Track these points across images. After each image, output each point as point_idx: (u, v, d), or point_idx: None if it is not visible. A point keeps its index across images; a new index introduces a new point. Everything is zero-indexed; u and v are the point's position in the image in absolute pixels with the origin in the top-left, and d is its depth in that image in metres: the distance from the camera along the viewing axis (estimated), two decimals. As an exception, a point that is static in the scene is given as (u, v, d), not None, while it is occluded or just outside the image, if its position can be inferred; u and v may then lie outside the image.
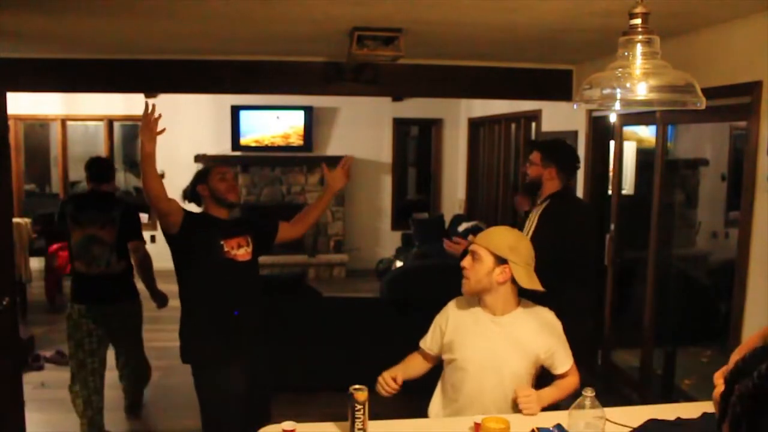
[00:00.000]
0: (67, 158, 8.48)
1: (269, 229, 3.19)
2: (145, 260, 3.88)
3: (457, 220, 8.02)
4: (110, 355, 5.25)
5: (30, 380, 4.64)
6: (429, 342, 2.46)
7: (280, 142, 8.45)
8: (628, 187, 5.23)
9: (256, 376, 2.95)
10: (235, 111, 8.26)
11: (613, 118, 4.60)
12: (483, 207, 7.89)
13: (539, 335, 2.34)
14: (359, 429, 2.04)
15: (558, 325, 2.39)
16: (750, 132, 2.99)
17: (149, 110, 2.79)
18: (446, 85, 4.89)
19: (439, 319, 2.46)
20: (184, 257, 2.91)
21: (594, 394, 1.92)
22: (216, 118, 8.33)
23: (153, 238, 7.82)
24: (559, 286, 2.47)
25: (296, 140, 8.45)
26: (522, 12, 2.94)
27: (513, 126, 6.81)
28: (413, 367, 2.47)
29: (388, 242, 8.84)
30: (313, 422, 2.24)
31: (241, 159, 8.35)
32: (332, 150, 8.64)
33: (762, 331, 1.72)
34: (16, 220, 5.68)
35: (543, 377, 2.43)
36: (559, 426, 2.05)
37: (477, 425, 2.06)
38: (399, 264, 7.70)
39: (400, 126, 9.00)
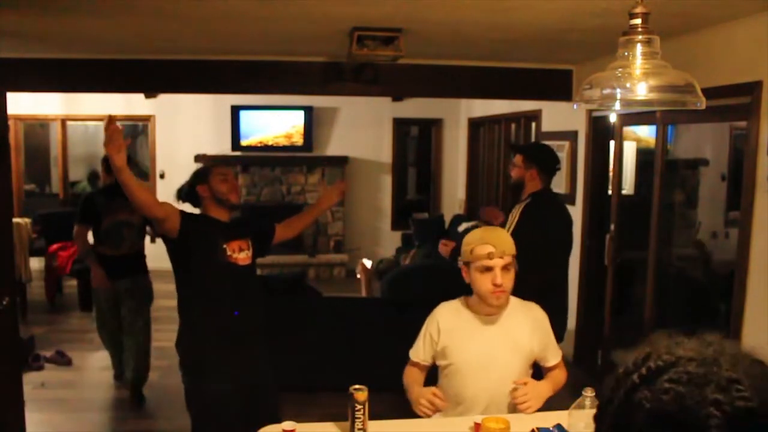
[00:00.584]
0: (67, 158, 8.48)
1: (267, 231, 3.16)
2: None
3: (457, 220, 8.01)
4: (110, 356, 5.26)
5: (30, 380, 4.64)
6: (422, 353, 2.43)
7: (280, 142, 8.45)
8: (628, 187, 5.23)
9: (258, 383, 2.91)
10: (235, 111, 8.26)
11: (613, 118, 4.60)
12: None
13: (533, 332, 2.38)
14: (359, 429, 2.04)
15: (546, 319, 2.46)
16: (750, 132, 2.99)
17: (109, 121, 2.47)
18: (446, 85, 4.88)
19: (429, 328, 2.43)
20: (183, 261, 2.84)
21: (594, 394, 1.92)
22: (216, 118, 8.33)
23: (153, 238, 7.83)
24: (538, 270, 2.76)
25: (296, 140, 8.45)
26: (522, 12, 2.94)
27: (513, 126, 6.81)
28: (417, 377, 2.46)
29: (388, 242, 8.84)
30: (313, 422, 2.24)
31: (241, 159, 8.36)
32: (332, 150, 8.64)
33: None
34: (16, 220, 5.68)
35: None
36: (559, 426, 2.05)
37: (477, 425, 2.06)
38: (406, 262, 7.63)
39: (400, 126, 8.99)
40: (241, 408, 2.84)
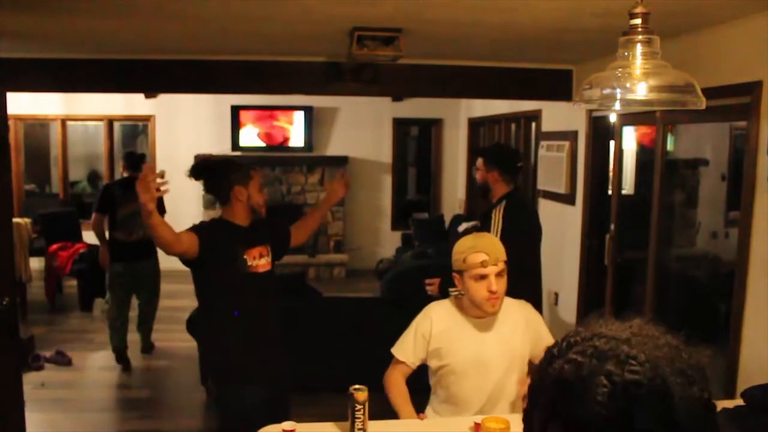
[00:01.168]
0: (67, 158, 8.48)
1: (285, 235, 3.06)
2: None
3: (457, 220, 8.01)
4: (111, 353, 5.26)
5: (30, 380, 4.64)
6: (411, 354, 2.40)
7: (280, 142, 8.45)
8: (628, 187, 5.23)
9: (282, 387, 2.88)
10: (235, 111, 8.26)
11: (613, 118, 4.60)
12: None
13: (525, 332, 2.39)
14: (359, 429, 2.04)
15: (539, 317, 2.48)
16: (750, 132, 2.99)
17: (150, 170, 2.45)
18: (446, 85, 4.88)
19: (421, 328, 2.41)
20: (203, 276, 2.74)
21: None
22: (216, 118, 8.33)
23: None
24: (525, 267, 2.86)
25: (296, 140, 8.45)
26: (522, 12, 2.94)
27: (513, 126, 6.80)
28: (405, 390, 2.44)
29: (388, 242, 8.84)
30: (313, 422, 2.24)
31: (241, 159, 8.34)
32: (332, 150, 8.64)
33: None
34: (16, 220, 5.68)
35: None
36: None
37: (477, 425, 2.07)
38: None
39: (400, 126, 8.99)
40: (269, 412, 2.80)
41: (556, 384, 0.81)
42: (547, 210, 5.67)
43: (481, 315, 2.35)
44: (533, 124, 6.19)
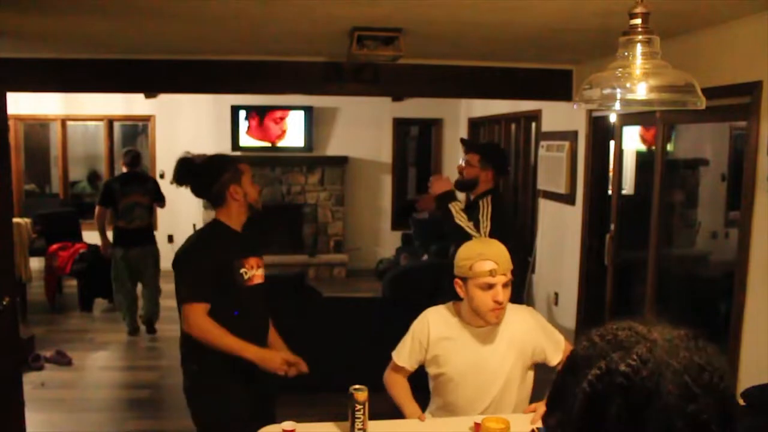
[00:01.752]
0: (67, 158, 8.48)
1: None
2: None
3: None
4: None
5: (30, 380, 4.64)
6: (408, 359, 2.38)
7: (280, 142, 8.45)
8: (628, 187, 5.23)
9: (270, 393, 2.80)
10: (235, 111, 8.26)
11: (613, 118, 4.60)
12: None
13: (527, 339, 2.33)
14: (359, 429, 2.04)
15: (539, 321, 2.41)
16: (750, 132, 2.99)
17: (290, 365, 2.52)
18: (446, 85, 4.89)
19: (418, 334, 2.37)
20: None
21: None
22: (216, 118, 8.33)
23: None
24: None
25: (296, 140, 8.45)
26: (522, 12, 2.94)
27: (513, 126, 6.81)
28: (407, 388, 2.43)
29: (388, 242, 8.84)
30: (313, 422, 2.24)
31: (241, 159, 8.34)
32: (332, 150, 8.64)
33: None
34: (16, 220, 5.68)
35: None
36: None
37: (477, 425, 2.07)
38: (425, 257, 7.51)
39: (400, 126, 8.99)
40: (255, 420, 2.74)
41: (569, 358, 0.89)
42: (547, 210, 5.68)
43: (482, 324, 2.29)
44: (533, 124, 6.19)
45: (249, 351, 2.45)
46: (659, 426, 0.77)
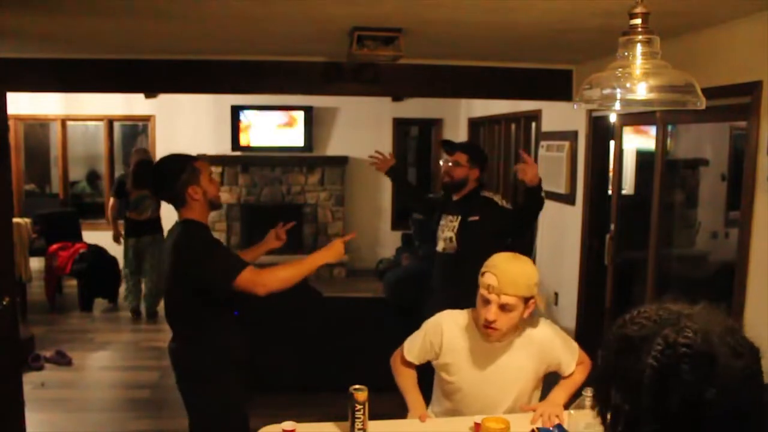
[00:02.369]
0: (67, 158, 8.47)
1: None
2: None
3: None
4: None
5: (30, 380, 4.64)
6: (417, 356, 2.37)
7: (280, 142, 8.44)
8: (628, 187, 5.23)
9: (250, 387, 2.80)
10: (235, 111, 8.25)
11: (613, 118, 4.60)
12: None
13: (541, 357, 2.29)
14: (359, 429, 2.04)
15: (557, 333, 2.33)
16: (750, 132, 2.99)
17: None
18: (446, 85, 4.88)
19: (431, 336, 2.33)
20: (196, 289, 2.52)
21: (594, 394, 1.92)
22: (216, 118, 8.33)
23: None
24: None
25: (296, 140, 8.45)
26: (522, 12, 2.94)
27: (513, 126, 6.80)
28: (414, 378, 2.42)
29: (388, 242, 8.84)
30: (313, 422, 2.24)
31: (241, 159, 8.35)
32: (332, 150, 8.64)
33: None
34: (16, 220, 5.68)
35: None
36: (559, 426, 2.05)
37: (477, 425, 2.06)
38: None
39: (400, 126, 8.99)
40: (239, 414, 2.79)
41: (619, 341, 0.99)
42: (547, 210, 5.67)
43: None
44: (533, 124, 6.19)
45: (316, 258, 2.55)
46: (722, 382, 0.90)
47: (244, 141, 8.34)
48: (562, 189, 5.21)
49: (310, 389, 4.37)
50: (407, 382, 2.41)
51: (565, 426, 2.02)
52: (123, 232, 6.44)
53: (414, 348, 2.38)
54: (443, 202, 3.80)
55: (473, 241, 3.44)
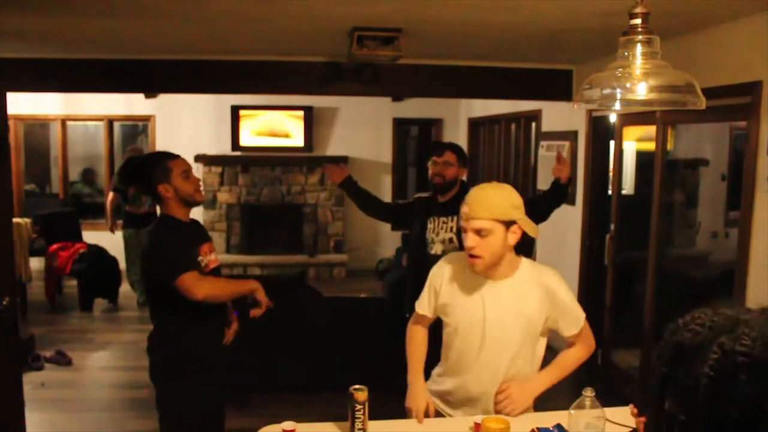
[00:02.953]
0: (67, 158, 8.48)
1: None
2: None
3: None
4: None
5: (30, 380, 4.64)
6: (426, 305, 2.33)
7: (280, 142, 8.45)
8: (628, 187, 5.23)
9: (228, 384, 2.87)
10: (235, 111, 8.26)
11: (613, 118, 4.60)
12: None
13: (541, 301, 2.19)
14: (359, 429, 2.04)
15: (559, 285, 2.24)
16: (750, 132, 3.00)
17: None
18: (446, 85, 4.89)
19: (433, 280, 2.31)
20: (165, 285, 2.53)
21: (594, 394, 1.92)
22: (216, 118, 8.33)
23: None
24: None
25: (296, 140, 8.45)
26: (522, 12, 2.94)
27: (513, 126, 6.81)
28: (423, 347, 2.39)
29: (388, 242, 8.84)
30: (313, 422, 2.24)
31: (241, 159, 8.36)
32: (332, 150, 8.64)
33: None
34: (16, 220, 5.68)
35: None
36: (559, 426, 2.05)
37: (477, 425, 2.06)
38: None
39: (400, 126, 8.99)
40: (220, 409, 2.82)
41: (674, 349, 0.94)
42: (547, 210, 5.67)
43: (489, 274, 2.18)
44: (533, 124, 6.19)
45: (250, 284, 2.72)
46: None
47: (244, 141, 8.34)
48: (562, 189, 5.20)
49: (310, 389, 4.37)
50: (414, 357, 2.37)
51: (565, 426, 2.02)
52: (122, 225, 6.76)
53: (423, 298, 2.35)
54: (425, 205, 3.69)
55: None
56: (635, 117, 4.36)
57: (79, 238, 7.27)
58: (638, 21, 1.63)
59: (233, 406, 4.24)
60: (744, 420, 0.86)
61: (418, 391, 2.33)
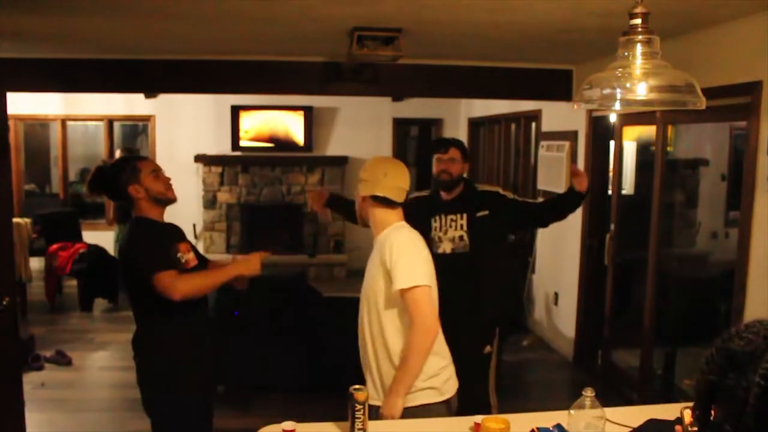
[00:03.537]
0: (67, 158, 8.48)
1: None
2: None
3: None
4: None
5: (30, 380, 4.64)
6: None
7: (280, 142, 8.45)
8: (628, 187, 5.23)
9: (214, 383, 2.89)
10: (235, 111, 8.26)
11: (613, 118, 4.60)
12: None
13: (381, 253, 2.40)
14: (359, 429, 2.04)
15: (395, 243, 2.41)
16: (750, 132, 3.00)
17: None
18: (446, 85, 4.89)
19: None
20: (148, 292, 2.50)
21: (594, 394, 1.92)
22: (216, 118, 8.33)
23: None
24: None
25: (296, 140, 8.45)
26: (522, 12, 2.94)
27: (513, 126, 6.81)
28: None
29: (388, 242, 8.83)
30: (313, 422, 2.24)
31: (241, 159, 8.36)
32: (332, 150, 8.64)
33: None
34: (16, 220, 5.68)
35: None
36: (559, 426, 2.05)
37: (477, 425, 2.06)
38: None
39: (400, 126, 8.99)
40: (208, 410, 2.83)
41: (725, 356, 0.93)
42: (547, 210, 5.67)
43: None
44: (533, 124, 6.19)
45: (230, 270, 2.67)
46: None
47: (244, 141, 8.33)
48: (562, 189, 5.18)
49: (310, 389, 4.37)
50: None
51: (565, 426, 2.02)
52: (115, 220, 6.78)
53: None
54: (426, 204, 3.58)
55: (485, 236, 3.42)
56: (635, 117, 4.36)
57: (79, 238, 7.27)
58: (638, 21, 1.63)
59: (233, 406, 4.25)
60: None
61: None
